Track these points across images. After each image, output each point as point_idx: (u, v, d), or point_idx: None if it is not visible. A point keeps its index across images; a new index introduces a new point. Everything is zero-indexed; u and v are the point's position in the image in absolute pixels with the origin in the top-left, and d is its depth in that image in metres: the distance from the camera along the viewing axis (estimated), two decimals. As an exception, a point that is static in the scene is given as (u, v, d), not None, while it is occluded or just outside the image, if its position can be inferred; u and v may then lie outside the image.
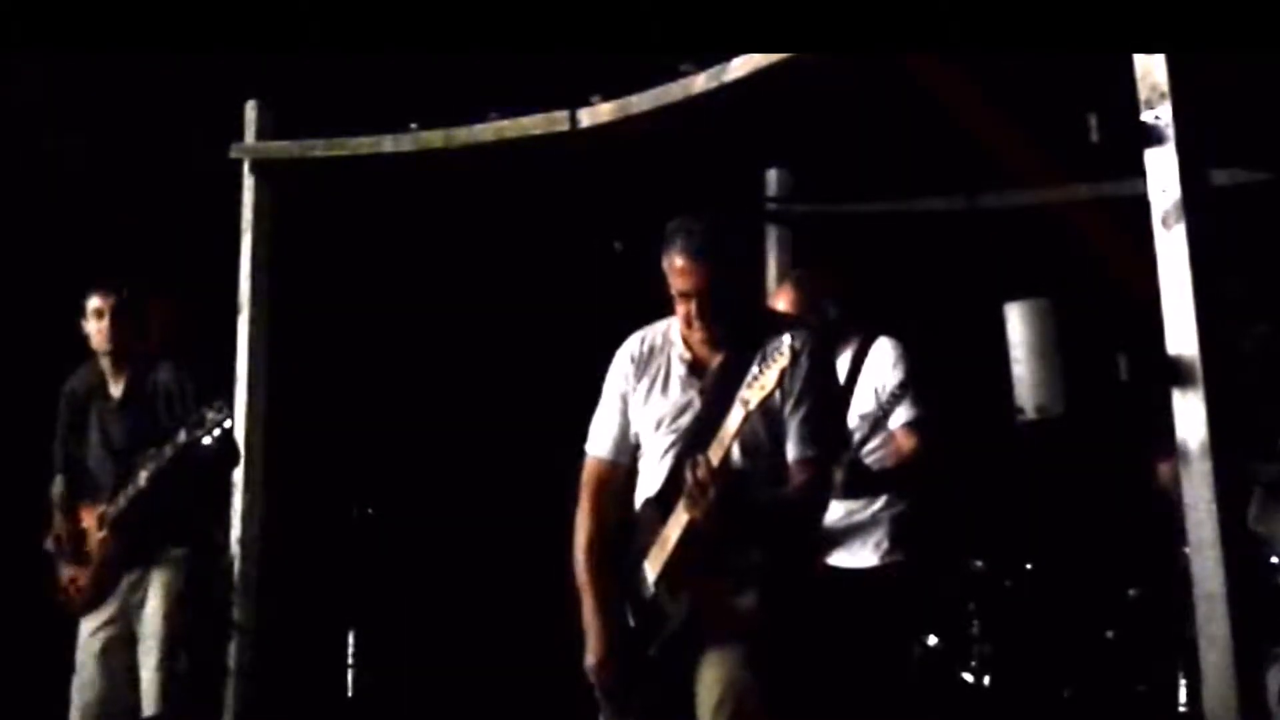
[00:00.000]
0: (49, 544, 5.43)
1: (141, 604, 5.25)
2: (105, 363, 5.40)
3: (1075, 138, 4.96)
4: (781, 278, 5.30)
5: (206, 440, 4.97)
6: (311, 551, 6.65)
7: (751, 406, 3.46)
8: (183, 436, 5.00)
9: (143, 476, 5.10)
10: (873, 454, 4.94)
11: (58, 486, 5.48)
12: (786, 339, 3.48)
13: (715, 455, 3.53)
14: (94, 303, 5.32)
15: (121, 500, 5.19)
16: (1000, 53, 4.06)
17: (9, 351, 6.48)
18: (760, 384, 3.45)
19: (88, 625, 5.31)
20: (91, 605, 5.31)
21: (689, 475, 3.53)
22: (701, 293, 3.69)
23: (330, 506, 6.88)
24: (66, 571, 5.38)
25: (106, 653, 5.26)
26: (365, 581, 6.78)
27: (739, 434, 3.53)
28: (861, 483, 4.85)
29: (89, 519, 5.32)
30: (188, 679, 5.15)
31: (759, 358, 3.56)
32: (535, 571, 4.63)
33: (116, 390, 5.37)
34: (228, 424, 4.98)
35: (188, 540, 5.28)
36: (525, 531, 5.58)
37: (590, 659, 3.83)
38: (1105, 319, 5.05)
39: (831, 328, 5.05)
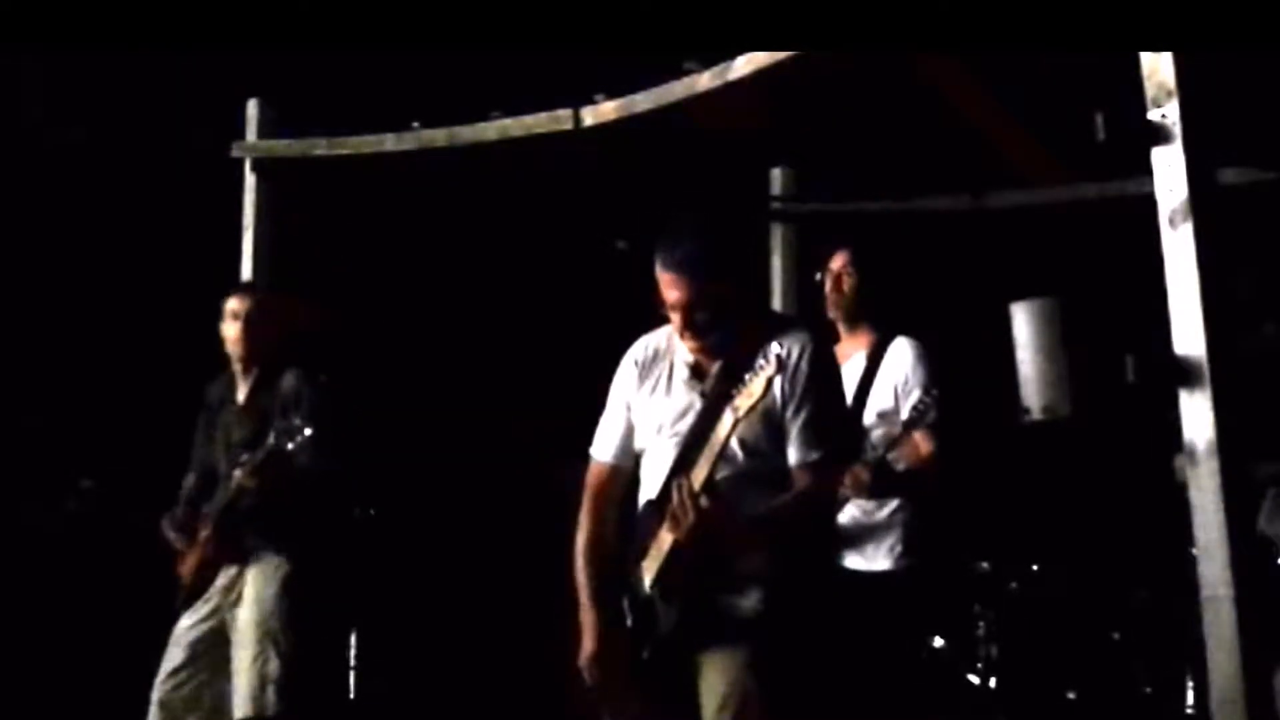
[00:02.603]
0: (167, 530, 5.53)
1: (235, 604, 5.34)
2: (236, 367, 5.54)
3: (1082, 136, 4.95)
4: (839, 249, 5.22)
5: (289, 447, 5.05)
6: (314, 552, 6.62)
7: (740, 415, 3.46)
8: (271, 441, 5.13)
9: (235, 476, 5.20)
10: (890, 455, 4.93)
11: (187, 484, 5.63)
12: (774, 347, 3.48)
13: (699, 474, 3.53)
14: (231, 305, 5.48)
15: (221, 498, 5.29)
16: (1006, 51, 4.04)
17: (8, 349, 6.48)
18: (748, 391, 3.44)
19: (186, 620, 5.40)
20: (189, 599, 5.39)
21: (674, 496, 3.53)
22: (684, 307, 3.69)
23: (334, 508, 6.85)
24: (181, 564, 5.45)
25: (197, 648, 5.33)
26: (367, 583, 6.76)
27: (726, 443, 3.52)
28: (889, 485, 4.84)
29: (205, 515, 5.40)
30: (279, 682, 5.18)
31: (757, 362, 3.55)
32: (537, 574, 4.61)
33: (241, 395, 5.47)
34: (307, 432, 5.06)
35: (284, 547, 5.30)
36: (527, 533, 5.57)
37: (583, 656, 3.84)
38: (1112, 319, 5.03)
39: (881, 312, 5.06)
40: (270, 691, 5.19)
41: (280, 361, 5.44)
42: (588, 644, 3.86)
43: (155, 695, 5.30)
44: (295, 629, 5.27)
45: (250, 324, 5.43)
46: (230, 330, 5.46)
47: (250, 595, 5.29)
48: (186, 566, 5.43)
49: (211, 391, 5.65)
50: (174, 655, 5.34)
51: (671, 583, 3.69)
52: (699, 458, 3.60)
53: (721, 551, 3.65)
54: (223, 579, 5.37)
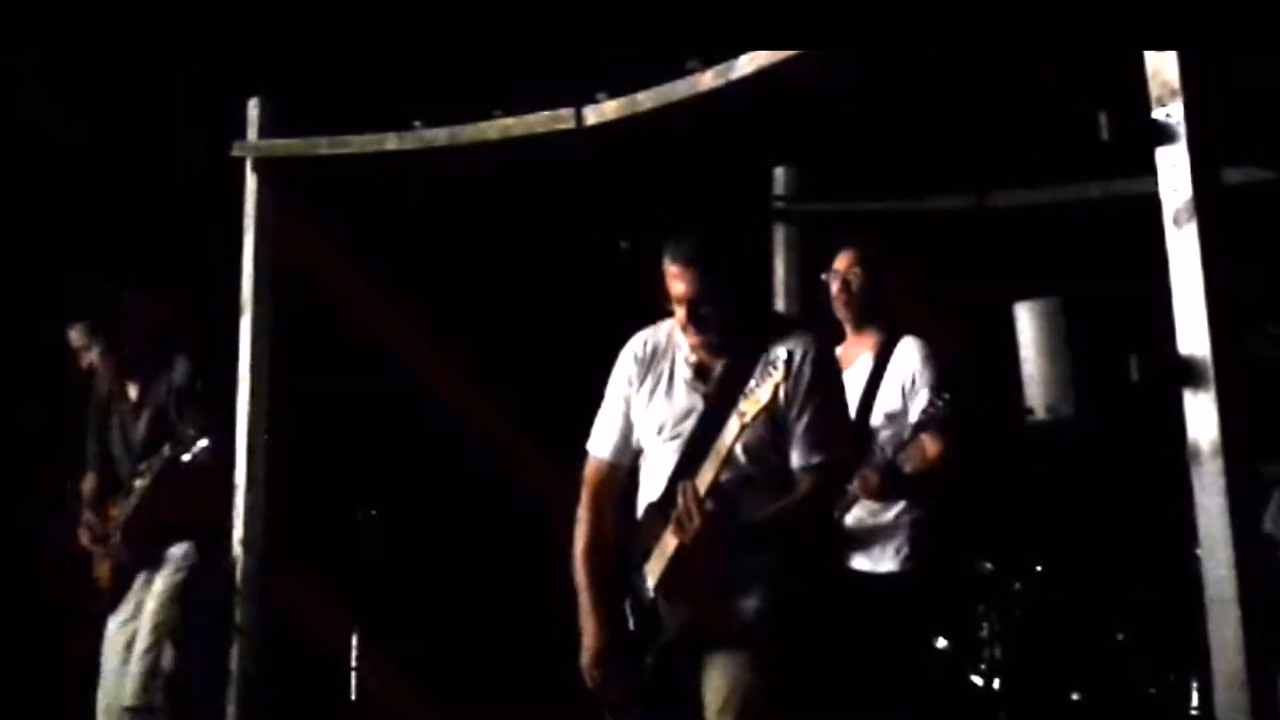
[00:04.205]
0: (83, 538, 5.45)
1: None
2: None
3: (1086, 136, 4.93)
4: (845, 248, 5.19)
5: (186, 457, 5.03)
6: (314, 553, 6.62)
7: (747, 420, 3.46)
8: (167, 450, 5.13)
9: (137, 485, 5.16)
10: (898, 458, 4.91)
11: (89, 483, 5.58)
12: (783, 352, 3.48)
13: (705, 479, 3.54)
14: (74, 344, 5.42)
15: (128, 505, 5.22)
16: (1009, 50, 4.02)
17: (8, 348, 6.48)
18: (755, 398, 3.45)
19: (112, 623, 5.37)
20: (113, 603, 5.34)
21: (679, 500, 3.52)
22: (690, 300, 3.68)
23: (333, 508, 6.85)
24: (98, 567, 5.41)
25: (127, 650, 5.27)
26: (368, 584, 6.75)
27: (732, 449, 3.52)
28: (897, 487, 4.82)
29: (115, 518, 5.35)
30: (173, 675, 5.14)
31: (761, 365, 3.54)
32: (539, 573, 4.60)
33: (133, 392, 5.43)
34: (201, 443, 5.05)
35: (190, 538, 5.28)
36: (529, 533, 5.56)
37: (585, 657, 3.84)
38: (1116, 318, 5.02)
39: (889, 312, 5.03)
40: (160, 683, 5.13)
41: (165, 351, 5.38)
42: (589, 646, 3.85)
43: (100, 702, 5.28)
44: (198, 623, 5.21)
45: (96, 348, 5.40)
46: (86, 362, 5.41)
47: (156, 586, 5.25)
48: (103, 571, 5.38)
49: (99, 388, 5.59)
50: (107, 663, 5.32)
51: (675, 586, 3.68)
52: (704, 462, 3.59)
53: (726, 555, 3.64)
54: (141, 578, 5.33)
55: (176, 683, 5.18)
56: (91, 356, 5.40)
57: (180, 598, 5.24)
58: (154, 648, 5.19)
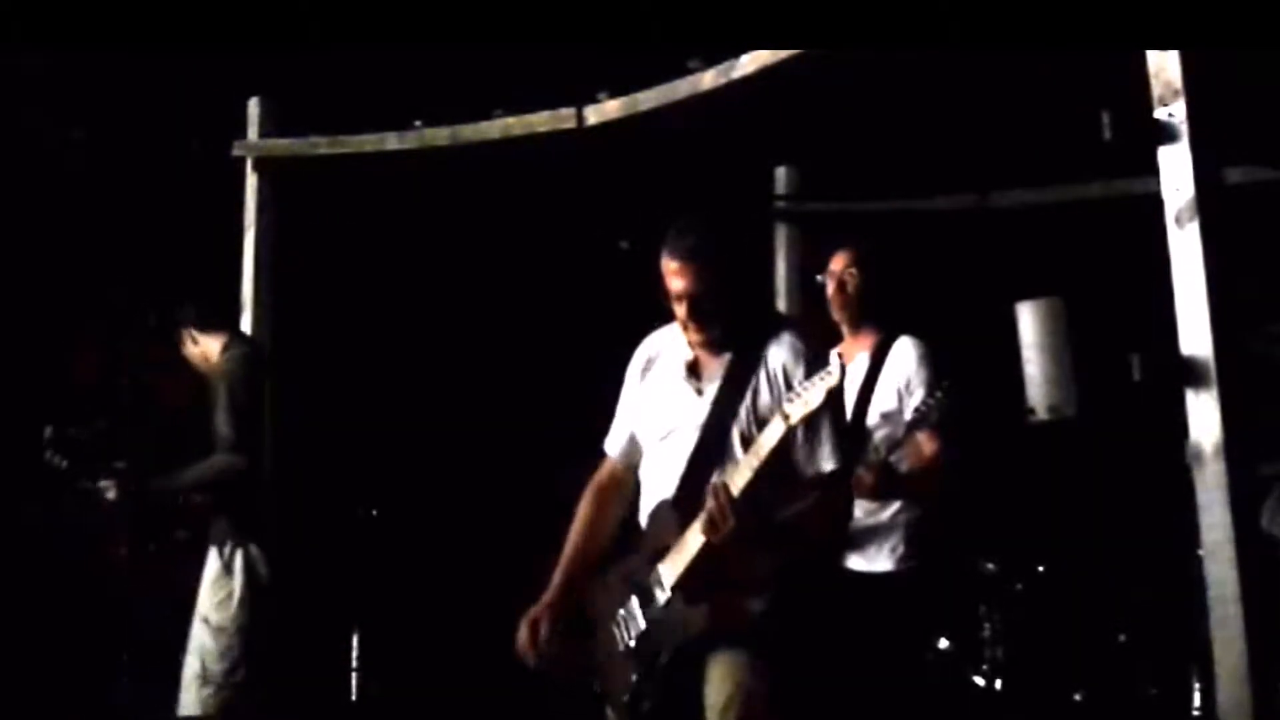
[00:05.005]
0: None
1: None
2: None
3: (1088, 135, 4.93)
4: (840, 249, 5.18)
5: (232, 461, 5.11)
6: (315, 553, 6.62)
7: (793, 421, 3.41)
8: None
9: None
10: (893, 457, 4.90)
11: None
12: (835, 358, 3.41)
13: (740, 479, 3.49)
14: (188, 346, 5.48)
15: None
16: (1012, 50, 4.02)
17: (9, 348, 6.49)
18: (805, 400, 3.38)
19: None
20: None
21: (709, 499, 3.50)
22: (692, 295, 3.67)
23: (334, 508, 6.85)
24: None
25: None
26: (370, 584, 6.75)
27: (774, 451, 3.47)
28: (892, 486, 4.80)
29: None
30: (193, 682, 5.12)
31: (762, 362, 3.54)
32: (541, 574, 4.60)
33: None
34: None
35: (215, 542, 5.28)
36: (531, 533, 5.55)
37: (529, 614, 3.88)
38: (1118, 318, 5.02)
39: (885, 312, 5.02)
40: (189, 692, 5.12)
41: (232, 337, 5.40)
42: (538, 604, 3.89)
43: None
44: (224, 626, 5.19)
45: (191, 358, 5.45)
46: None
47: (201, 601, 5.25)
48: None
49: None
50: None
51: (697, 586, 3.65)
52: (721, 462, 3.59)
53: (753, 556, 3.62)
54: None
55: (205, 690, 5.15)
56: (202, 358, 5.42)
57: (204, 605, 5.22)
58: (186, 658, 5.18)
